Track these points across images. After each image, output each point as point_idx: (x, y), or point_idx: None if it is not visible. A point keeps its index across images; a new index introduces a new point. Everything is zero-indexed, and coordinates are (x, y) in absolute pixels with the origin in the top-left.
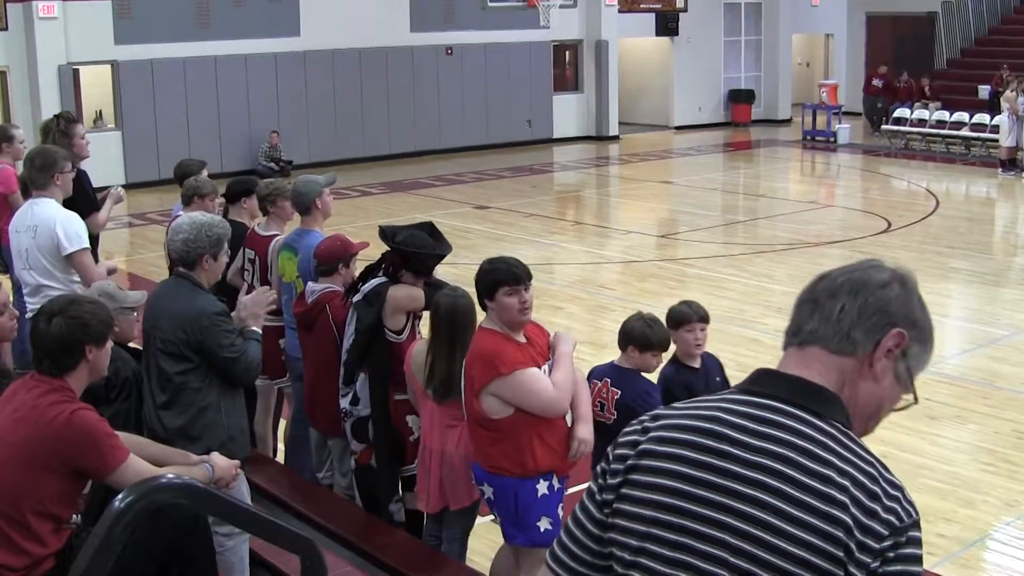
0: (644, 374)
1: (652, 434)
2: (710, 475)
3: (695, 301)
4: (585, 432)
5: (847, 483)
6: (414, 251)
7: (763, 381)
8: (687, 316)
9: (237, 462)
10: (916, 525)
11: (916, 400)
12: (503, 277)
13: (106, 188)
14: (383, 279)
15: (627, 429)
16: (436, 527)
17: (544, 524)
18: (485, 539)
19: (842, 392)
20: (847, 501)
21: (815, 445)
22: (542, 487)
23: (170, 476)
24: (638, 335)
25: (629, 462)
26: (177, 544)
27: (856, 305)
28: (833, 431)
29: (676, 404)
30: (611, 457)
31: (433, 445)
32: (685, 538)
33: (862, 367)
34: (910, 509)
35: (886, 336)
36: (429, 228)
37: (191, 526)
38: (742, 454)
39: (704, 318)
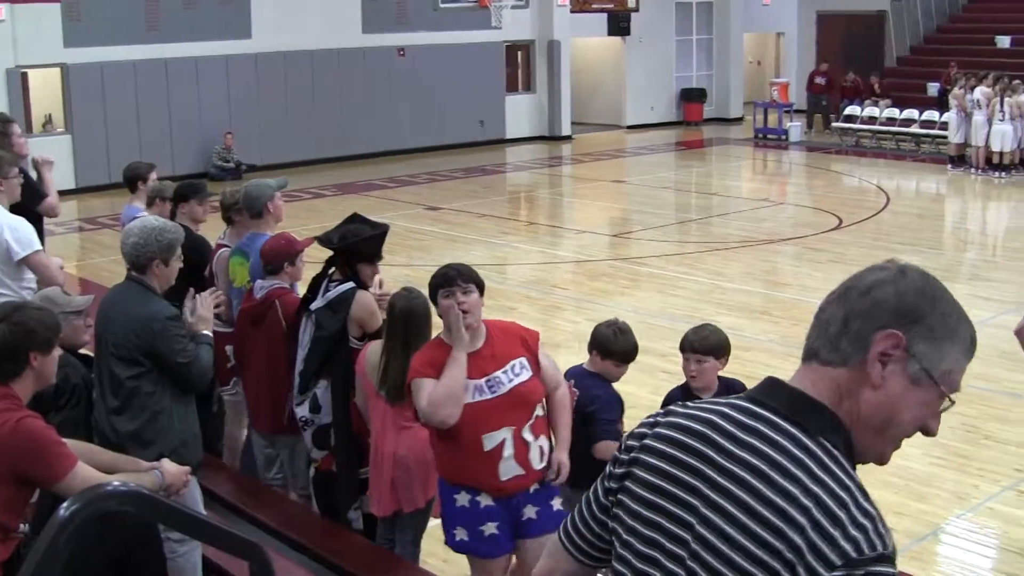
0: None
1: (656, 429)
2: (688, 476)
3: (711, 327)
4: (562, 456)
5: (810, 504)
6: (356, 240)
7: (766, 391)
8: (683, 345)
9: (187, 468)
10: (881, 559)
11: (951, 401)
12: (437, 280)
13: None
14: (348, 284)
15: (642, 421)
16: (389, 530)
17: (460, 534)
18: (440, 540)
19: (841, 406)
20: (805, 523)
21: (790, 461)
22: (461, 498)
23: (116, 483)
24: (600, 341)
25: (633, 454)
26: (127, 551)
27: (841, 313)
28: (816, 449)
29: (689, 403)
30: (622, 447)
31: (386, 447)
32: (657, 534)
33: (861, 376)
34: (877, 542)
35: (874, 341)
36: (358, 218)
37: (141, 533)
38: (720, 460)
39: (701, 350)
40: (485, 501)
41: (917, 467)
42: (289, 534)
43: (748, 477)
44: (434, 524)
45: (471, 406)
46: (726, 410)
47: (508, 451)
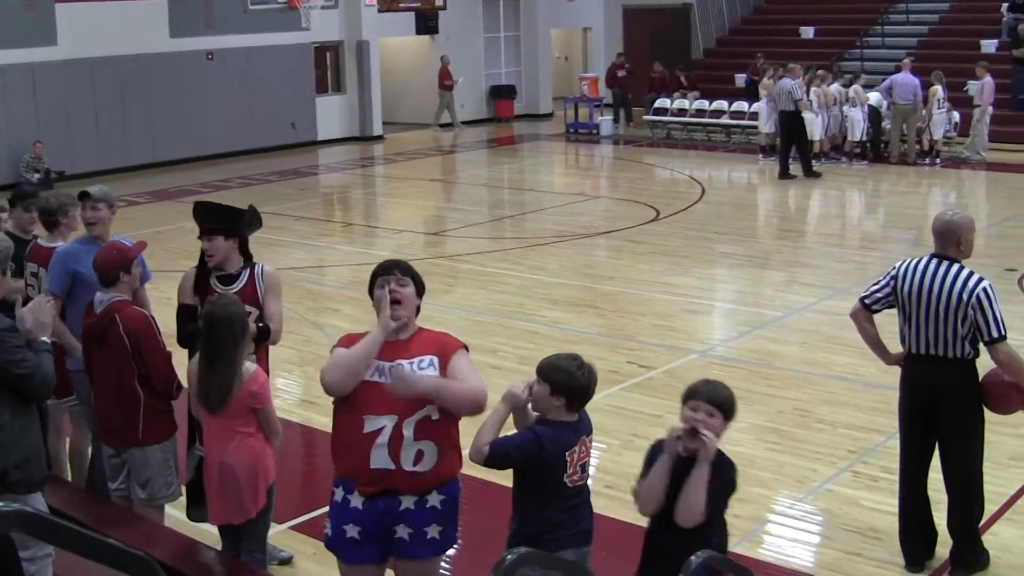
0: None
1: None
2: None
3: (720, 382)
4: (422, 381)
5: None
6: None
7: None
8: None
9: None
10: None
11: None
12: (376, 270)
13: None
14: None
15: None
16: (230, 538)
17: (327, 529)
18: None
19: None
20: None
21: None
22: (337, 493)
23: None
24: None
25: None
26: None
27: None
28: None
29: None
30: None
31: (213, 456)
32: None
33: None
34: None
35: None
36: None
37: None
38: None
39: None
40: (355, 501)
41: (754, 453)
42: (138, 549)
43: None
44: (276, 530)
45: (366, 384)
46: None
47: (383, 439)
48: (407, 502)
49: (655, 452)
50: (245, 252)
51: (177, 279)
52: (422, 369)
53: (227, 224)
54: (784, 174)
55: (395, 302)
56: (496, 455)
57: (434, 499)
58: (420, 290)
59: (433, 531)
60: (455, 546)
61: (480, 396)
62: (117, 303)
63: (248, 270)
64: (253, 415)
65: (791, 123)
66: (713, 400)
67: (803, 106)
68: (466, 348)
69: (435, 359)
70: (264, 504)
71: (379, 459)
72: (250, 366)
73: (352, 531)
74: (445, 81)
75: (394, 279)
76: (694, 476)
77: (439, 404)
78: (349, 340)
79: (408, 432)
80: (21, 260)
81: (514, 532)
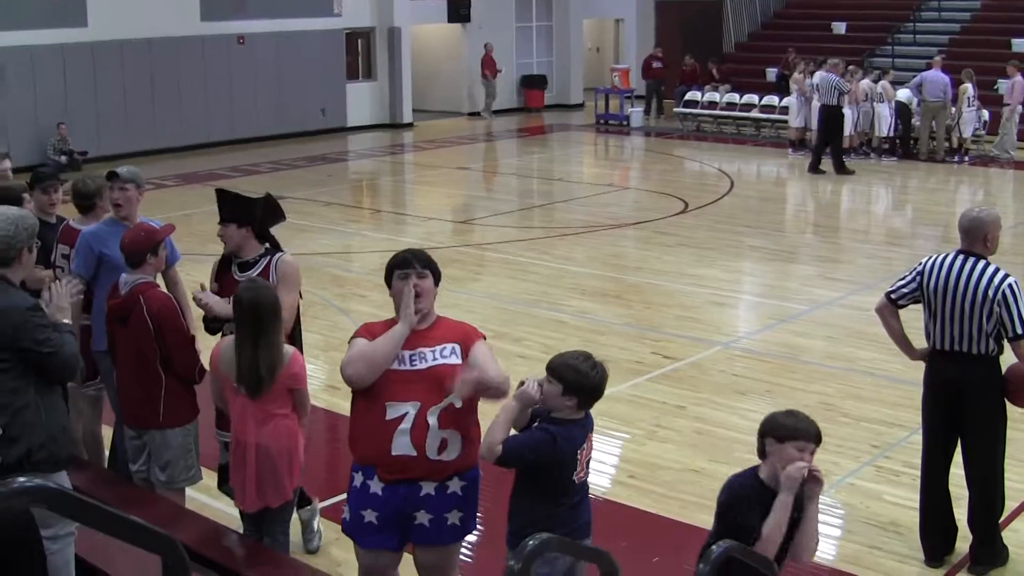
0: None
1: None
2: None
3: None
4: (476, 374)
5: None
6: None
7: None
8: (790, 433)
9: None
10: None
11: None
12: (395, 262)
13: None
14: None
15: None
16: (253, 523)
17: (345, 513)
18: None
19: None
20: None
21: None
22: (357, 479)
23: (22, 480)
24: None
25: None
26: (8, 552)
27: None
28: None
29: None
30: None
31: (247, 439)
32: None
33: None
34: None
35: None
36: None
37: (20, 532)
38: None
39: (816, 439)
40: (374, 487)
41: None
42: (158, 530)
43: None
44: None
45: (388, 372)
46: None
47: (406, 425)
48: (428, 488)
49: (738, 496)
50: (270, 240)
51: (205, 263)
52: (444, 357)
53: (238, 213)
54: (815, 167)
55: (417, 295)
56: (510, 455)
57: (455, 485)
58: (437, 279)
59: (454, 517)
60: (474, 532)
61: (505, 381)
62: (142, 285)
63: (266, 258)
64: (290, 396)
65: (831, 117)
66: (818, 438)
67: (855, 96)
68: (484, 338)
69: (457, 347)
70: (298, 483)
71: (401, 446)
72: (289, 348)
73: (370, 516)
74: (486, 70)
75: (414, 273)
76: (810, 513)
77: (483, 389)
78: (367, 330)
79: (433, 420)
80: (47, 243)
81: (516, 530)
